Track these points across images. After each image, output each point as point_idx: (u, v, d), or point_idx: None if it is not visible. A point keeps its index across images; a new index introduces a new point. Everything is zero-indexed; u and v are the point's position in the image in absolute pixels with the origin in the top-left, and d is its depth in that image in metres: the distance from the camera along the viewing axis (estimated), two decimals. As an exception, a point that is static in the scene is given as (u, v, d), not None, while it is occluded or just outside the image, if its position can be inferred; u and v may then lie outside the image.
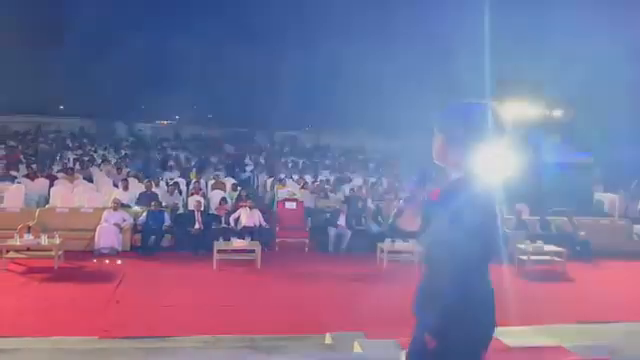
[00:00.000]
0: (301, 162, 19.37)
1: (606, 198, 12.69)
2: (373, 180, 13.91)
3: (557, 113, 14.70)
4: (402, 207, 2.01)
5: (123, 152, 18.24)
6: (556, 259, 8.87)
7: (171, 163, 15.44)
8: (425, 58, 27.57)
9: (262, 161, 18.52)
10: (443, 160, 1.86)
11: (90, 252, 8.55)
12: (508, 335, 5.23)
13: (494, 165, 1.90)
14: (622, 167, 13.44)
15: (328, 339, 5.06)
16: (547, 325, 5.74)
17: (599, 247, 9.85)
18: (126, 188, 10.25)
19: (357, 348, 4.43)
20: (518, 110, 13.62)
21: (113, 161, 15.37)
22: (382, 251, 8.70)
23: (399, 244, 8.73)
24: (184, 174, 13.63)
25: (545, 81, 14.60)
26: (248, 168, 17.12)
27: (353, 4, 28.65)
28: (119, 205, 9.05)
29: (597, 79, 15.80)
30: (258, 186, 14.39)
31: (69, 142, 20.82)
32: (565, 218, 10.47)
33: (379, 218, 10.28)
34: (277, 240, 9.59)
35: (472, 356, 1.80)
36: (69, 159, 15.12)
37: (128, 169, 13.56)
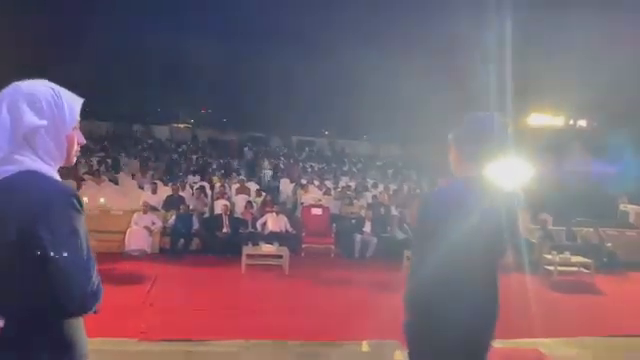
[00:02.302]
0: (317, 167, 19.44)
1: (631, 209, 12.56)
2: (394, 187, 13.93)
3: (581, 123, 14.62)
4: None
5: (145, 155, 18.41)
6: (583, 270, 8.82)
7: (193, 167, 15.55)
8: (444, 68, 27.55)
9: (281, 166, 18.61)
10: (458, 171, 1.97)
11: (120, 254, 8.66)
12: (540, 346, 5.24)
13: (504, 174, 2.00)
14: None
15: (365, 347, 5.09)
16: (579, 337, 5.73)
17: (626, 259, 9.80)
18: (155, 191, 10.37)
19: (399, 357, 4.44)
20: (542, 120, 13.58)
21: (136, 164, 15.53)
22: (408, 259, 8.70)
23: (426, 252, 8.73)
24: (205, 177, 13.74)
25: (569, 91, 14.55)
26: (267, 173, 17.22)
27: (372, 12, 28.73)
28: (149, 208, 9.16)
29: (621, 89, 15.71)
30: (279, 191, 14.45)
31: (90, 144, 21.04)
32: (591, 229, 10.40)
33: (404, 225, 10.30)
34: (303, 245, 9.63)
35: None
36: (92, 161, 15.30)
37: (152, 172, 13.69)
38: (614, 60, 14.83)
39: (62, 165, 1.46)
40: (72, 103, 1.46)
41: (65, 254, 1.28)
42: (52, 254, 1.27)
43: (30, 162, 1.35)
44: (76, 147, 1.50)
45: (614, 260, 9.65)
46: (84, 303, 1.34)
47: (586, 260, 8.89)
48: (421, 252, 1.87)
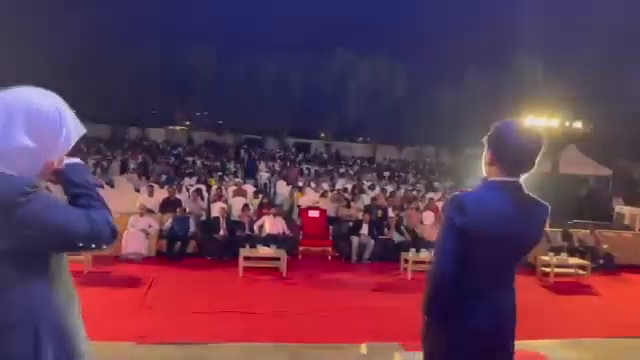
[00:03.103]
0: (314, 170, 19.44)
1: (627, 211, 12.64)
2: (391, 189, 13.94)
3: (577, 125, 14.69)
4: None
5: (140, 157, 18.36)
6: (580, 272, 8.86)
7: (189, 169, 15.52)
8: (437, 68, 27.68)
9: (277, 168, 18.60)
10: (492, 174, 2.00)
11: (116, 257, 8.62)
12: (539, 348, 5.25)
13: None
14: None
15: (364, 349, 5.07)
16: (577, 339, 5.74)
17: (622, 260, 9.86)
18: (151, 194, 10.34)
19: (398, 359, 4.43)
20: (537, 122, 13.63)
21: (132, 166, 15.49)
22: (406, 261, 8.71)
23: (424, 254, 8.75)
24: (201, 180, 13.71)
25: (564, 95, 14.65)
26: (264, 175, 17.20)
27: (369, 13, 28.81)
28: (145, 211, 9.13)
29: (615, 93, 15.81)
30: (275, 193, 14.44)
31: (84, 147, 20.95)
32: (587, 230, 10.45)
33: (402, 228, 10.31)
34: (300, 248, 9.62)
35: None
36: (88, 164, 15.25)
37: (148, 175, 13.66)
38: (607, 64, 14.93)
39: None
40: (71, 133, 1.38)
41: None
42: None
43: None
44: (49, 173, 1.41)
45: (610, 261, 9.70)
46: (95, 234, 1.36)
47: (583, 262, 8.93)
48: (450, 253, 1.90)
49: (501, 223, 1.88)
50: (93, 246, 1.37)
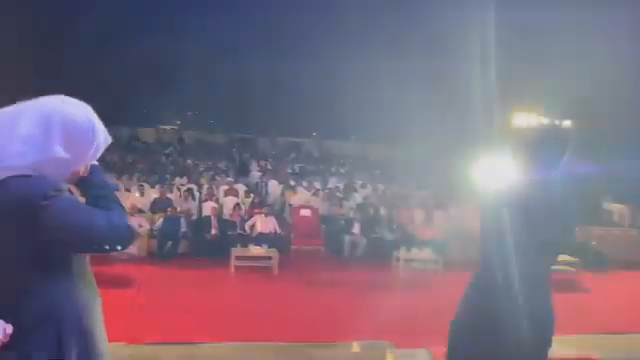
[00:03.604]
0: (305, 168, 19.43)
1: (615, 208, 12.76)
2: (383, 187, 13.98)
3: (567, 123, 14.78)
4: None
5: (130, 157, 18.24)
6: (570, 269, 8.91)
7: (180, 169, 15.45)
8: (428, 67, 27.72)
9: (269, 167, 18.55)
10: (526, 173, 2.12)
11: (107, 258, 8.54)
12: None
13: (492, 174, 2.17)
14: (630, 177, 13.52)
15: (356, 347, 5.08)
16: (570, 336, 5.78)
17: (611, 257, 9.94)
18: (142, 194, 10.29)
19: (390, 358, 4.44)
20: (527, 121, 13.71)
21: (122, 166, 15.39)
22: (398, 259, 8.74)
23: (415, 252, 8.79)
24: (193, 179, 13.65)
25: (554, 92, 14.73)
26: (255, 174, 17.15)
27: (357, 12, 28.79)
28: (136, 211, 9.08)
29: (604, 90, 15.92)
30: (267, 192, 14.42)
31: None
32: (576, 228, 10.52)
33: (393, 226, 10.34)
34: (292, 247, 9.62)
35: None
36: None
37: (138, 174, 13.58)
38: (599, 60, 15.03)
39: None
40: (100, 143, 1.43)
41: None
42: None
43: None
44: (74, 179, 1.46)
45: (600, 258, 9.78)
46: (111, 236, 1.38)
47: (572, 259, 8.98)
48: (496, 252, 2.02)
49: (539, 216, 2.07)
50: (119, 248, 1.42)
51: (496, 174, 2.37)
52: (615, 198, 13.20)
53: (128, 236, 1.42)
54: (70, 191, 1.38)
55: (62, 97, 1.39)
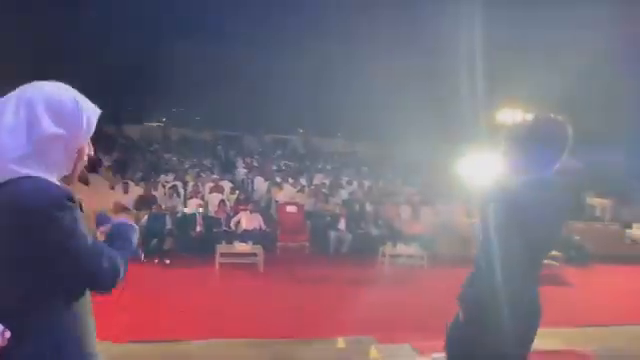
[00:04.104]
0: (291, 165, 19.39)
1: (598, 203, 12.94)
2: (369, 184, 14.00)
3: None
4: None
5: (115, 154, 18.06)
6: (552, 263, 9.02)
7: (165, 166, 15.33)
8: (414, 64, 27.80)
9: (255, 164, 18.49)
10: (521, 171, 2.00)
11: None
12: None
13: (479, 169, 2.10)
14: (610, 172, 13.72)
15: (341, 343, 5.10)
16: (551, 329, 5.85)
17: (593, 251, 10.08)
18: (126, 191, 10.19)
19: (374, 353, 4.46)
20: (513, 116, 13.82)
21: (107, 163, 15.21)
22: (384, 255, 8.77)
23: (401, 247, 8.83)
24: (178, 177, 13.54)
25: (539, 87, 14.87)
26: (241, 171, 17.08)
27: (345, 10, 28.74)
28: (120, 208, 8.99)
29: (587, 86, 16.12)
30: (253, 189, 14.36)
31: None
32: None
33: (379, 222, 10.37)
34: (278, 243, 9.60)
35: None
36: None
37: (123, 172, 13.44)
38: (585, 56, 15.21)
39: (66, 175, 1.42)
40: (90, 114, 1.41)
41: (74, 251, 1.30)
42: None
43: (30, 172, 1.29)
44: (85, 159, 1.46)
45: (582, 252, 9.90)
46: (101, 280, 1.37)
47: (555, 253, 9.08)
48: (501, 252, 1.88)
49: (539, 216, 1.98)
50: (100, 289, 1.41)
51: (482, 170, 2.25)
52: (597, 193, 13.39)
53: (110, 283, 1.41)
54: (81, 206, 1.35)
55: (41, 82, 1.39)
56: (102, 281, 1.37)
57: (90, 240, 1.34)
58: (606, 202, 12.89)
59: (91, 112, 1.42)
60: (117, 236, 1.52)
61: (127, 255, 1.48)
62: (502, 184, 2.01)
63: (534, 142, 1.95)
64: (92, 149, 1.48)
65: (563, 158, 1.96)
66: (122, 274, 1.42)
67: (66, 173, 1.41)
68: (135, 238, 1.57)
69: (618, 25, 15.27)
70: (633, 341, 5.32)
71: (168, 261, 8.60)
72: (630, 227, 11.41)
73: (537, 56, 17.57)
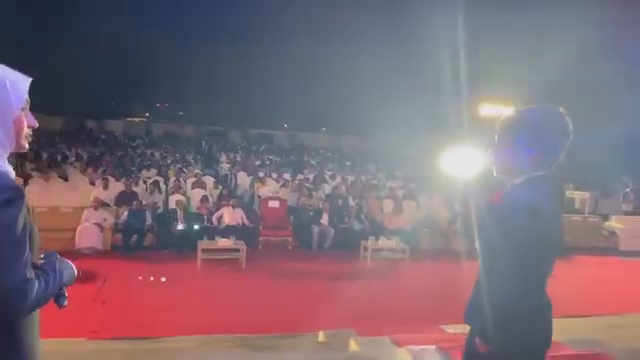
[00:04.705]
0: (276, 160, 19.36)
1: (577, 195, 13.12)
2: (352, 178, 14.03)
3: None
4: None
5: (96, 150, 17.86)
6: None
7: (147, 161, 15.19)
8: (399, 61, 27.86)
9: (239, 159, 18.42)
10: (522, 169, 1.81)
11: (70, 252, 8.36)
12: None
13: (460, 164, 1.98)
14: (592, 166, 13.91)
15: (321, 337, 5.09)
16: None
17: (571, 243, 10.22)
18: (106, 187, 10.07)
19: (353, 346, 4.47)
20: (493, 110, 13.98)
21: (87, 159, 15.05)
22: (366, 249, 8.79)
23: (382, 242, 8.86)
24: (160, 172, 13.45)
25: (519, 81, 15.01)
26: (225, 166, 17.00)
27: (329, 4, 28.68)
28: (100, 204, 8.89)
29: (567, 78, 16.28)
30: (236, 184, 14.31)
31: (36, 140, 20.24)
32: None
33: (361, 216, 10.39)
34: (260, 239, 9.57)
35: None
36: (41, 157, 14.72)
37: (104, 167, 13.30)
38: (564, 50, 15.36)
39: (13, 151, 1.36)
40: (16, 81, 1.34)
41: None
42: None
43: None
44: (26, 130, 1.38)
45: (561, 245, 10.03)
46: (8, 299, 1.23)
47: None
48: (526, 263, 1.69)
49: (555, 221, 1.83)
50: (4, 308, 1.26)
51: (464, 164, 2.09)
52: (577, 186, 13.57)
53: (19, 306, 1.26)
54: (28, 207, 1.29)
55: None
56: (13, 291, 1.23)
57: (18, 234, 1.25)
58: (585, 195, 13.07)
59: (16, 79, 1.35)
60: (48, 265, 1.41)
61: (50, 283, 1.36)
62: (481, 178, 1.93)
63: (540, 135, 1.74)
64: (33, 119, 1.41)
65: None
66: (35, 298, 1.27)
67: (11, 149, 1.35)
68: (67, 277, 1.45)
69: (602, 16, 15.45)
70: (608, 330, 5.40)
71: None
72: (608, 219, 11.59)
73: (520, 50, 17.73)
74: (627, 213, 12.40)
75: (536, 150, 1.74)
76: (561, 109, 1.78)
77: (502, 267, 1.67)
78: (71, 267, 1.49)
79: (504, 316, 1.68)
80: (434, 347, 3.83)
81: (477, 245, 1.87)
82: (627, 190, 13.34)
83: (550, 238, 1.76)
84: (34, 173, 11.35)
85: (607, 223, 11.45)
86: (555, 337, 4.70)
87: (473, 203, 2.08)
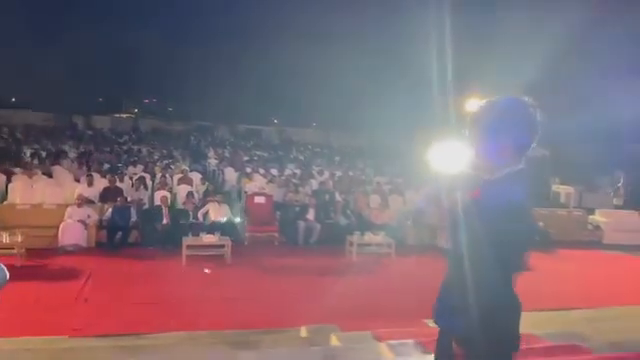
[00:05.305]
0: (263, 156, 19.31)
1: (562, 190, 13.23)
2: (339, 174, 14.03)
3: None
4: (423, 205, 2.05)
5: (82, 147, 17.68)
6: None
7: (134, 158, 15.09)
8: (387, 58, 27.92)
9: (227, 155, 18.34)
10: (501, 163, 1.76)
11: (54, 249, 8.30)
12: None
13: (454, 159, 1.94)
14: (577, 160, 14.05)
15: (304, 332, 5.10)
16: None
17: (557, 237, 10.32)
18: (90, 184, 9.98)
19: (334, 341, 4.48)
20: (476, 105, 13.99)
21: (73, 155, 14.91)
22: (351, 244, 8.80)
23: (368, 236, 8.87)
24: (147, 168, 13.35)
25: (506, 77, 15.08)
26: (212, 162, 16.92)
27: (316, 2, 28.67)
28: (84, 201, 8.81)
29: (553, 74, 16.38)
30: (224, 180, 14.25)
31: (20, 135, 20.03)
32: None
33: (348, 211, 10.40)
34: (246, 234, 9.55)
35: None
36: (25, 153, 14.56)
37: (89, 164, 13.18)
38: (551, 46, 15.44)
39: None
40: None
41: None
42: None
43: None
44: None
45: (546, 238, 10.11)
46: None
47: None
48: (512, 259, 1.68)
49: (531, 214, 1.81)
50: None
51: (450, 159, 2.02)
52: (562, 180, 13.69)
53: None
54: None
55: None
56: None
57: None
58: (571, 189, 13.19)
59: None
60: None
61: None
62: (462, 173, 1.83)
63: (508, 128, 1.70)
64: None
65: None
66: None
67: None
68: None
69: (584, 11, 15.55)
70: (589, 323, 5.46)
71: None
72: (593, 213, 11.70)
73: (505, 45, 17.81)
74: (618, 207, 12.55)
75: (510, 141, 1.70)
76: (526, 98, 1.74)
77: (489, 267, 1.63)
78: (2, 269, 1.45)
79: (490, 316, 1.67)
80: (413, 341, 3.84)
81: (451, 243, 1.85)
82: (619, 185, 13.49)
83: (532, 234, 1.78)
84: (17, 170, 11.22)
85: (592, 217, 11.56)
86: (536, 330, 4.75)
87: (451, 199, 2.03)
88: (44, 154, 14.63)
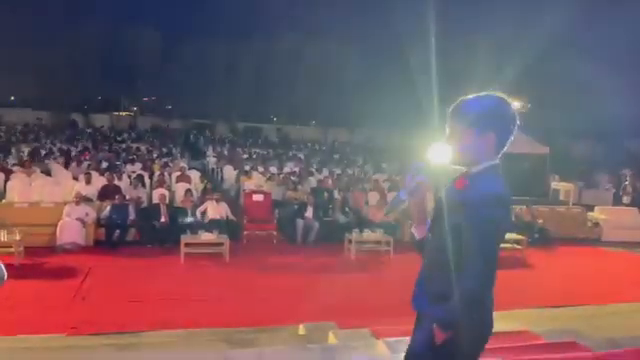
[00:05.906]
0: (262, 154, 19.31)
1: (561, 187, 13.23)
2: (338, 171, 14.02)
3: (514, 104, 15.14)
4: (402, 198, 2.04)
5: (80, 145, 17.68)
6: (516, 246, 9.18)
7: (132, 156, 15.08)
8: (386, 56, 27.91)
9: (225, 153, 18.34)
10: (485, 158, 1.80)
11: (52, 248, 8.29)
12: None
13: (442, 157, 1.97)
14: (577, 157, 14.06)
15: (302, 330, 5.09)
16: (510, 311, 5.96)
17: (556, 234, 10.32)
18: (88, 182, 9.97)
19: (332, 338, 4.47)
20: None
21: (72, 153, 14.90)
22: (350, 242, 8.80)
23: (367, 234, 8.87)
24: (146, 166, 13.36)
25: (501, 74, 15.10)
26: (211, 160, 16.93)
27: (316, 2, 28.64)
28: (82, 199, 8.80)
29: (553, 73, 16.42)
30: (223, 178, 14.25)
31: (20, 134, 20.03)
32: (524, 207, 10.85)
33: (346, 209, 10.39)
34: (245, 232, 9.54)
35: (475, 352, 1.84)
36: (23, 152, 14.55)
37: (88, 162, 13.17)
38: (545, 42, 15.46)
39: None
40: None
41: None
42: None
43: None
44: None
45: (545, 235, 10.13)
46: None
47: (519, 237, 9.25)
48: (491, 249, 1.73)
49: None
50: None
51: (444, 156, 2.05)
52: (562, 177, 13.69)
53: None
54: None
55: None
56: None
57: None
58: (570, 186, 13.19)
59: None
60: None
61: None
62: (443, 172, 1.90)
63: (493, 124, 1.77)
64: None
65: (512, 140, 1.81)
66: None
67: None
68: None
69: (575, 10, 15.57)
70: (588, 320, 5.46)
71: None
72: (592, 210, 11.70)
73: (503, 43, 17.86)
74: (627, 205, 12.55)
75: (494, 137, 1.77)
76: (503, 96, 1.82)
77: (472, 257, 1.69)
78: (0, 268, 1.44)
79: (472, 305, 1.73)
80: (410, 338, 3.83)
81: (432, 233, 1.94)
82: (626, 183, 13.48)
83: (509, 226, 1.81)
84: (15, 168, 11.20)
85: (591, 214, 11.56)
86: (534, 327, 4.73)
87: (437, 190, 2.07)
88: (43, 152, 14.63)
